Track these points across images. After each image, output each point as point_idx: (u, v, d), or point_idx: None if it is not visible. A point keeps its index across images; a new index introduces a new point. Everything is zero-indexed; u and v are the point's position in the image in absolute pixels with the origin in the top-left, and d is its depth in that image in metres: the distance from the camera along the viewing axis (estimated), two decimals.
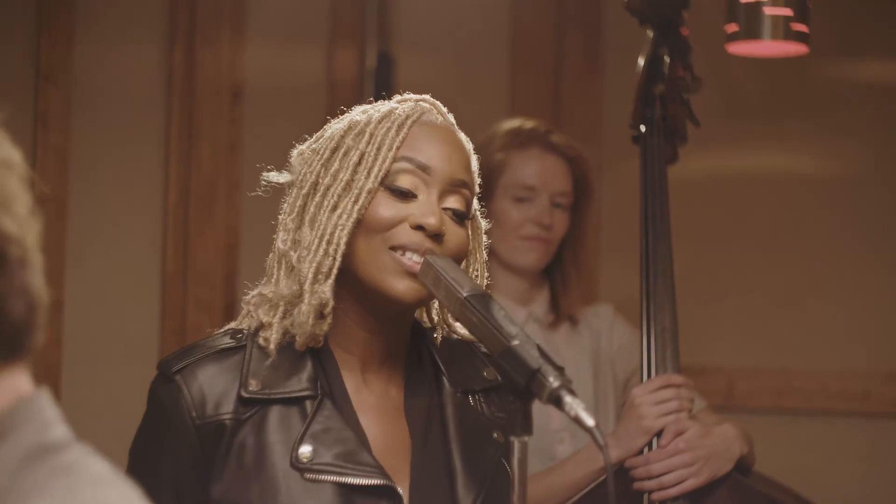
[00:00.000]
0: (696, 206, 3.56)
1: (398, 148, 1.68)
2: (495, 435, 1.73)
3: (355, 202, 1.66)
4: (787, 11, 2.50)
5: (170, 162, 3.42)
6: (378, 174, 1.67)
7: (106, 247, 3.37)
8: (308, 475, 1.61)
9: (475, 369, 1.78)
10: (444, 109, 1.75)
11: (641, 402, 2.26)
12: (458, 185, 1.70)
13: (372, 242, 1.66)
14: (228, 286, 3.42)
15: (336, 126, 1.73)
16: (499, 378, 1.65)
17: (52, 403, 1.07)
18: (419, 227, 1.65)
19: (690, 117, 2.50)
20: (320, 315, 1.66)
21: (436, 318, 1.80)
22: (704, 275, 3.61)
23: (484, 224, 1.79)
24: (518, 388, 1.45)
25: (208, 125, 3.44)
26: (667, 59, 2.46)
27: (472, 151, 1.75)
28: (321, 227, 1.66)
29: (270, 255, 1.73)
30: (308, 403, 1.65)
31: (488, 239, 1.79)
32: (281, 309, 1.68)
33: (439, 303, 1.75)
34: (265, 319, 1.68)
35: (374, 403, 1.71)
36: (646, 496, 2.24)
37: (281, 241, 1.70)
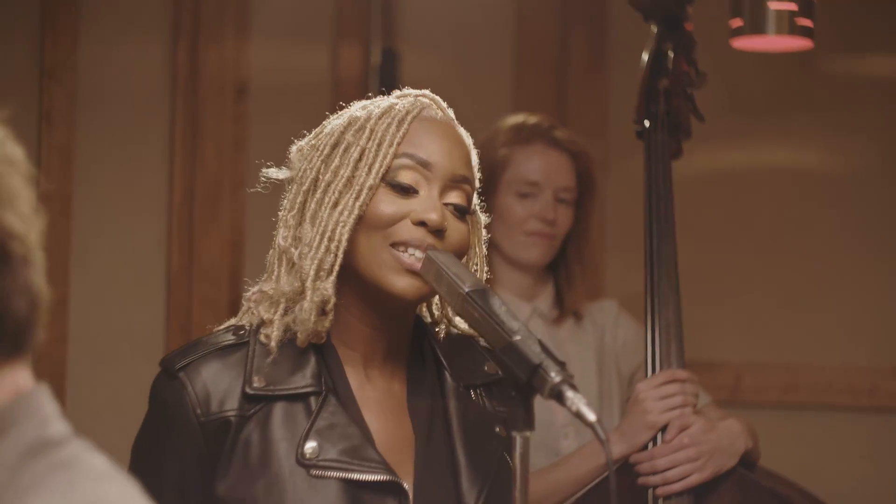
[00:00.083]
0: (701, 201, 3.56)
1: (399, 144, 1.68)
2: (497, 429, 1.73)
3: (356, 198, 1.66)
4: (792, 6, 2.50)
5: (174, 160, 3.42)
6: (379, 170, 1.67)
7: (110, 244, 3.37)
8: (314, 471, 1.61)
9: (476, 364, 1.78)
10: (444, 104, 1.75)
11: (646, 397, 2.26)
12: (458, 181, 1.70)
13: (373, 239, 1.66)
14: (233, 283, 3.42)
15: (335, 122, 1.73)
16: (499, 372, 1.65)
17: (52, 399, 1.07)
18: (421, 223, 1.65)
19: (694, 112, 2.49)
20: (322, 312, 1.66)
21: (437, 312, 1.80)
22: (711, 270, 3.61)
23: (483, 219, 1.79)
24: (520, 383, 1.45)
25: (213, 123, 3.44)
26: (671, 55, 2.46)
27: (472, 146, 1.74)
28: (322, 224, 1.66)
29: (271, 251, 1.73)
30: (312, 400, 1.65)
31: (488, 233, 1.79)
32: (282, 306, 1.68)
33: (440, 298, 1.75)
34: (266, 316, 1.68)
35: (378, 399, 1.71)
36: (650, 491, 2.23)
37: (282, 237, 1.70)
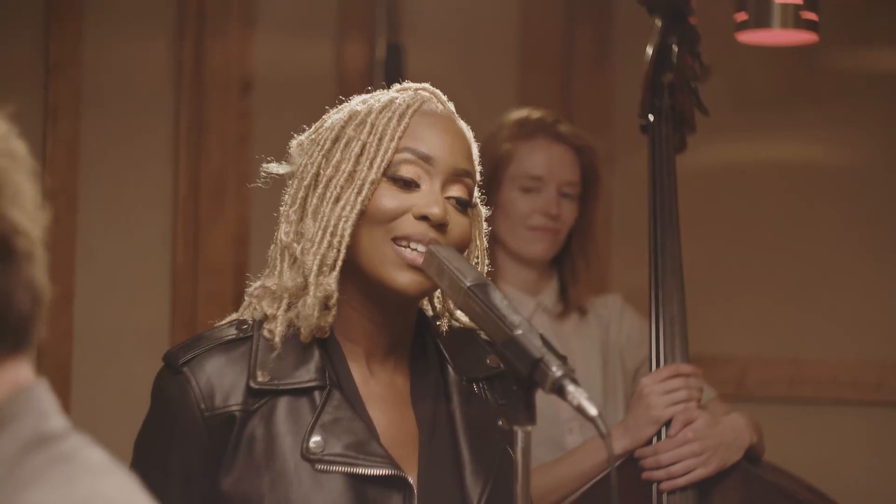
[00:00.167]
0: (706, 195, 3.56)
1: (400, 138, 1.68)
2: (500, 423, 1.73)
3: (358, 193, 1.66)
4: (797, 0, 2.50)
5: (179, 154, 3.42)
6: (381, 165, 1.66)
7: (116, 239, 3.37)
8: (319, 466, 1.61)
9: (479, 357, 1.78)
10: (444, 98, 1.75)
11: (650, 391, 2.26)
12: (460, 175, 1.69)
13: (375, 234, 1.66)
14: (239, 278, 3.42)
15: (335, 116, 1.73)
16: (501, 365, 1.65)
17: (50, 393, 1.08)
18: (423, 218, 1.65)
19: (699, 106, 2.49)
20: (325, 307, 1.65)
21: (438, 306, 1.80)
22: (716, 264, 3.61)
23: (484, 211, 1.78)
24: (521, 377, 1.45)
25: (217, 118, 3.44)
26: (675, 48, 2.46)
27: (472, 139, 1.74)
28: (325, 219, 1.66)
29: (272, 246, 1.72)
30: (317, 394, 1.65)
31: (489, 226, 1.79)
32: (285, 301, 1.67)
33: (442, 292, 1.75)
34: (269, 312, 1.68)
35: (381, 393, 1.71)
36: (654, 486, 2.24)
37: (283, 233, 1.70)
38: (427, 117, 1.70)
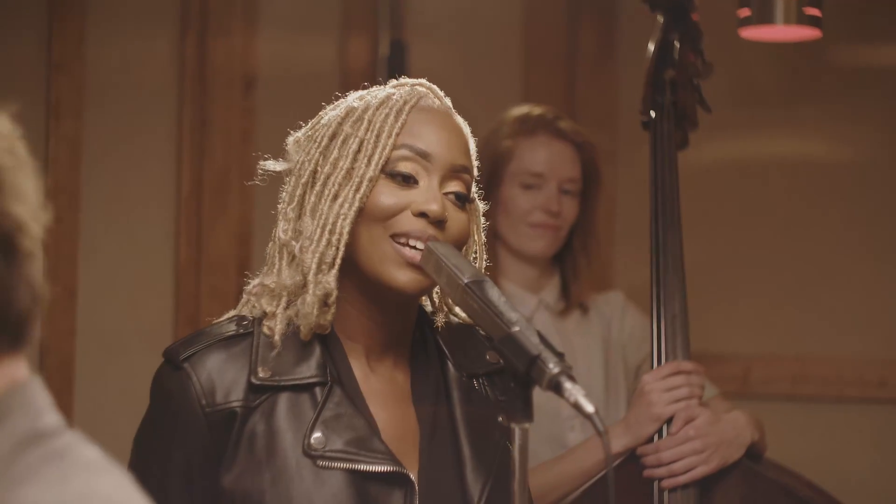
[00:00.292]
0: (708, 192, 3.56)
1: (397, 135, 1.67)
2: (500, 419, 1.73)
3: (357, 190, 1.65)
4: None
5: (182, 152, 3.43)
6: (378, 161, 1.66)
7: (119, 237, 3.38)
8: (320, 462, 1.61)
9: (478, 353, 1.77)
10: (441, 93, 1.74)
11: (651, 388, 2.26)
12: (458, 171, 1.69)
13: (373, 231, 1.65)
14: (242, 275, 3.38)
15: (332, 113, 1.72)
16: (501, 361, 1.65)
17: (45, 390, 1.08)
18: (422, 214, 1.65)
19: (701, 103, 2.49)
20: (324, 305, 1.65)
21: (436, 301, 1.79)
22: (719, 261, 3.60)
23: (482, 206, 1.78)
24: (518, 374, 1.45)
25: (221, 115, 3.44)
26: (677, 45, 2.45)
27: (469, 134, 1.74)
28: (323, 217, 1.66)
29: (271, 244, 1.72)
30: (318, 390, 1.64)
31: (486, 221, 1.79)
32: (284, 299, 1.67)
33: (440, 289, 1.75)
34: (268, 309, 1.67)
35: (382, 390, 1.70)
36: (656, 484, 2.23)
37: (282, 230, 1.69)
38: (424, 113, 1.69)
